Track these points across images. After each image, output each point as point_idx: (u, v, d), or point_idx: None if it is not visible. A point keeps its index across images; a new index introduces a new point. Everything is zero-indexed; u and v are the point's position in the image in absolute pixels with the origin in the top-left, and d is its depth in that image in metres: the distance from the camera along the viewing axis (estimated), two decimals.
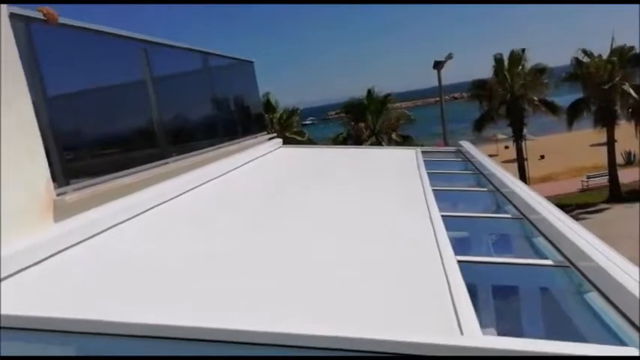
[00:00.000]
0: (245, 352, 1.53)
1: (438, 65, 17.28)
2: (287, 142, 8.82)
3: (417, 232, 2.64)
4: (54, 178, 2.71)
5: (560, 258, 2.32)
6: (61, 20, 2.97)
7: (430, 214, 2.92)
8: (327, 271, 2.20)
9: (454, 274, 1.98)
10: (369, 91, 26.06)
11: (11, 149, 2.46)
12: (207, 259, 2.44)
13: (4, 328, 1.81)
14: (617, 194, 24.07)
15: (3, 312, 1.85)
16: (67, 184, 2.82)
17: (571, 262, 2.21)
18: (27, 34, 2.69)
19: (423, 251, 2.32)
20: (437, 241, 2.40)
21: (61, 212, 2.70)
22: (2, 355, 1.92)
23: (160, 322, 1.62)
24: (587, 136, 32.17)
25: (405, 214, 3.16)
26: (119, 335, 1.67)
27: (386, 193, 4.00)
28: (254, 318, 1.71)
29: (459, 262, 2.12)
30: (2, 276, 2.17)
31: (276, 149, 6.82)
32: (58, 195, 2.70)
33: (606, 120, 24.33)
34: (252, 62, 6.85)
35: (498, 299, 4.69)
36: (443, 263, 2.10)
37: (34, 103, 2.62)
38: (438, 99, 19.38)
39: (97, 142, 3.42)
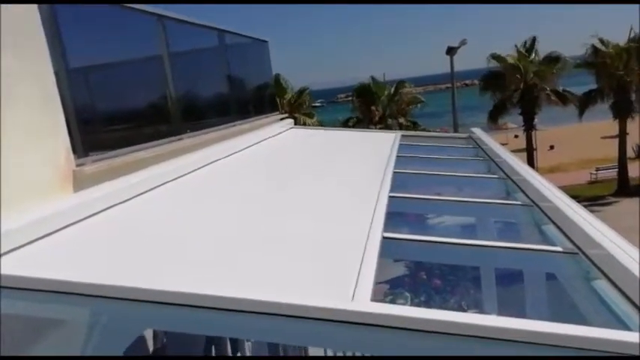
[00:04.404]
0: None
1: (451, 51, 17.13)
2: (296, 123, 8.82)
3: (358, 210, 2.81)
4: (74, 149, 2.76)
5: (569, 245, 2.34)
6: None
7: (379, 194, 3.05)
8: (263, 243, 2.37)
9: (372, 248, 2.11)
10: (373, 78, 25.94)
11: (34, 119, 2.52)
12: (212, 232, 2.58)
13: (21, 289, 1.89)
14: (626, 187, 23.92)
15: (21, 274, 1.92)
16: (86, 155, 2.87)
17: (580, 249, 2.23)
18: (49, 6, 2.71)
19: (354, 227, 2.47)
20: (372, 218, 2.55)
21: (80, 183, 2.76)
22: (20, 314, 2.02)
23: (168, 288, 1.71)
24: (598, 128, 31.88)
25: (356, 194, 3.33)
26: (130, 300, 1.75)
27: (350, 174, 4.13)
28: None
29: (386, 238, 2.27)
30: (22, 242, 2.23)
31: (287, 130, 6.84)
32: (77, 166, 2.76)
33: (619, 111, 24.03)
34: (266, 42, 6.84)
35: (502, 284, 4.76)
36: (367, 238, 2.23)
37: (56, 75, 2.66)
38: (449, 85, 19.24)
39: (114, 116, 3.47)
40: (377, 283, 1.82)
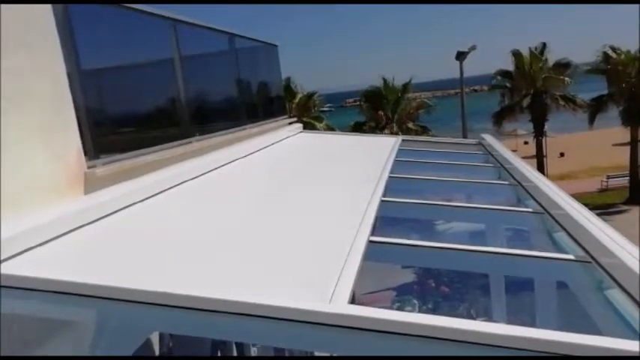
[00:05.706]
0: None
1: (460, 56, 17.04)
2: (305, 127, 8.79)
3: (349, 214, 2.82)
4: (85, 151, 2.77)
5: (581, 253, 2.31)
6: None
7: (371, 199, 3.06)
8: (254, 246, 2.41)
9: (356, 251, 2.12)
10: (385, 81, 25.85)
11: (45, 118, 2.53)
12: (213, 235, 2.60)
13: (30, 290, 1.91)
14: (637, 196, 23.62)
15: (30, 275, 1.93)
16: (97, 157, 2.88)
17: (593, 258, 2.20)
18: (64, 7, 2.73)
19: (342, 230, 2.48)
20: (361, 222, 2.56)
21: (90, 185, 2.76)
22: (29, 315, 2.02)
23: (176, 291, 1.72)
24: (609, 135, 31.53)
25: (350, 198, 3.33)
26: (138, 302, 1.77)
27: (350, 178, 4.14)
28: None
29: (372, 242, 2.29)
30: (33, 244, 2.24)
31: (295, 134, 6.84)
32: (88, 168, 2.77)
33: (631, 118, 23.77)
34: (276, 46, 6.86)
35: (513, 291, 4.71)
36: (353, 242, 2.24)
37: (69, 76, 2.68)
38: (457, 90, 19.17)
39: (125, 119, 3.49)
40: (385, 289, 1.80)
